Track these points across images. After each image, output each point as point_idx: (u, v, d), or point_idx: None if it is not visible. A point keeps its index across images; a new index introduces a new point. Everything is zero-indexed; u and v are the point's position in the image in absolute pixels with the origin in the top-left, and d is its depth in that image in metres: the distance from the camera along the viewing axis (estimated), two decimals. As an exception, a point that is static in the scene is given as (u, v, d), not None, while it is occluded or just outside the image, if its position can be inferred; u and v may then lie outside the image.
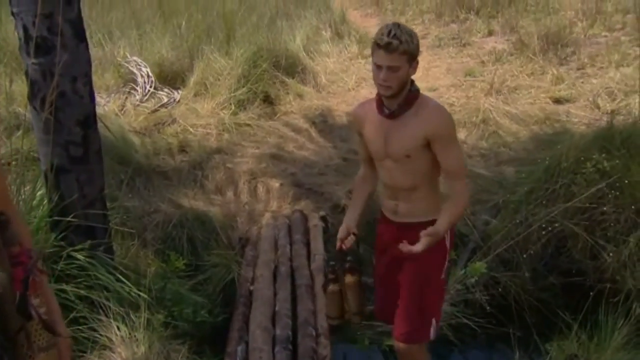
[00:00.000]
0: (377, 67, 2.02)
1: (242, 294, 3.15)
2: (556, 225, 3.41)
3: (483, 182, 4.12)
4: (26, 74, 2.55)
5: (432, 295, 2.31)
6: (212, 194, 4.25)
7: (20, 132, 3.83)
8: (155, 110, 5.51)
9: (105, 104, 5.53)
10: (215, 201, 4.15)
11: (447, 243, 2.24)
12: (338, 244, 2.32)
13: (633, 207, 3.33)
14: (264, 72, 5.73)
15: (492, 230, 3.62)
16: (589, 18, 7.74)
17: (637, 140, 3.55)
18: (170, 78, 6.08)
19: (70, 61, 2.47)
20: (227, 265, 3.40)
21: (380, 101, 2.14)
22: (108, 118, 4.65)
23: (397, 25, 1.99)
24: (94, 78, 2.86)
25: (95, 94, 2.79)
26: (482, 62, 6.90)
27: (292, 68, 6.25)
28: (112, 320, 2.44)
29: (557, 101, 5.59)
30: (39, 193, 2.81)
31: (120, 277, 2.64)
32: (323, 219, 3.89)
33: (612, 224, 3.35)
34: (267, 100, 5.72)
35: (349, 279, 2.36)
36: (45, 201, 2.70)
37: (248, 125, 5.29)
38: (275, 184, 4.37)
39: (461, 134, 4.86)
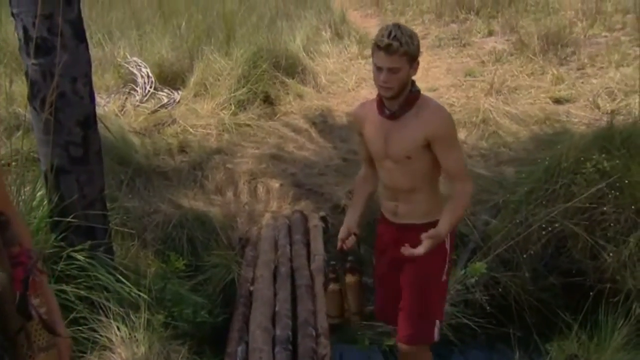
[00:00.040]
0: (378, 68, 2.02)
1: (242, 294, 3.14)
2: (556, 225, 3.41)
3: (483, 182, 4.11)
4: (26, 74, 2.55)
5: (433, 296, 2.30)
6: (212, 194, 4.25)
7: (20, 133, 3.82)
8: (155, 111, 5.51)
9: (105, 105, 5.53)
10: (215, 201, 4.15)
11: (447, 245, 2.23)
12: (339, 244, 2.32)
13: (633, 207, 3.33)
14: (264, 73, 5.72)
15: (492, 230, 3.62)
16: (589, 18, 7.73)
17: (637, 140, 3.56)
18: (170, 78, 6.07)
19: (70, 62, 2.47)
20: (227, 265, 3.40)
21: (380, 102, 2.14)
22: (108, 118, 4.64)
23: (398, 27, 1.99)
24: (94, 78, 2.87)
25: (95, 95, 2.80)
26: (482, 62, 6.89)
27: (292, 68, 6.24)
28: (112, 321, 2.43)
29: (557, 101, 5.59)
30: (39, 194, 2.81)
31: (120, 277, 2.64)
32: (323, 219, 3.88)
33: (612, 224, 3.36)
34: (267, 100, 5.71)
35: (349, 279, 2.36)
36: (45, 202, 2.70)
37: (248, 125, 5.28)
38: (275, 184, 4.37)
39: (461, 134, 4.86)
